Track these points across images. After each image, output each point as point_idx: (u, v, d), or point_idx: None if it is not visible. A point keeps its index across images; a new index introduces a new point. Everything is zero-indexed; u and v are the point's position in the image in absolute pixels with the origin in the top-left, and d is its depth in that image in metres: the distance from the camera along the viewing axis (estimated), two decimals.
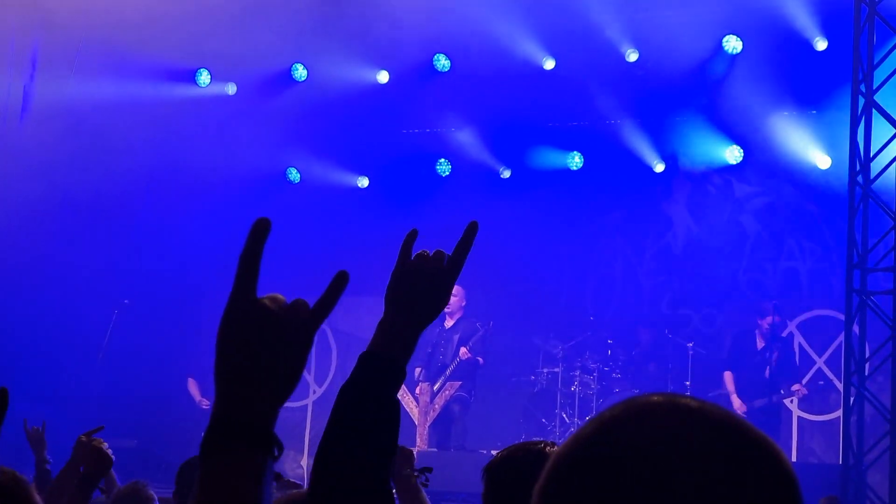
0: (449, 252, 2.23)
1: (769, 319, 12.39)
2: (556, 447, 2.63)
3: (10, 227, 13.86)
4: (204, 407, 13.64)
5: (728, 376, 12.61)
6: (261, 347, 1.43)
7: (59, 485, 4.85)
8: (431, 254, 2.22)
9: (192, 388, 13.95)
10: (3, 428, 2.34)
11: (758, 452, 1.13)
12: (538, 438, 3.43)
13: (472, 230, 2.19)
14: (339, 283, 1.50)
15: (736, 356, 12.69)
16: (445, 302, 2.21)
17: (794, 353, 13.14)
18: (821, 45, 13.16)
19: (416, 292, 2.18)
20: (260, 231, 1.44)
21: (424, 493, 3.98)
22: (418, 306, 2.18)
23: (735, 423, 1.14)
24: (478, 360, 12.74)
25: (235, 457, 1.40)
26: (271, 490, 1.43)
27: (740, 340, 12.79)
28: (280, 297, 1.46)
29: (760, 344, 12.49)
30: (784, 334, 13.18)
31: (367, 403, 2.12)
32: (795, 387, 12.40)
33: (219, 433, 1.42)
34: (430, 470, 4.01)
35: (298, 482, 4.72)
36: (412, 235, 2.22)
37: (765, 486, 1.11)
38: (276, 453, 1.43)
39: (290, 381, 1.46)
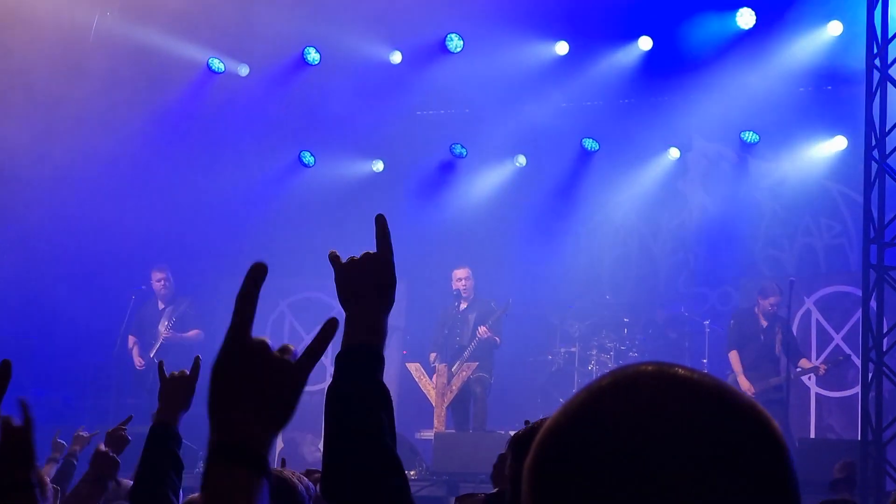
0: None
1: (771, 300, 12.25)
2: None
3: (27, 215, 13.89)
4: (139, 368, 13.50)
5: (734, 356, 12.39)
6: (253, 382, 1.49)
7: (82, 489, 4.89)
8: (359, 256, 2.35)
9: (132, 344, 13.78)
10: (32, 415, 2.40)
11: (745, 420, 1.12)
12: None
13: (380, 222, 2.34)
14: (329, 332, 1.58)
15: (739, 335, 12.49)
16: (393, 282, 2.33)
17: (794, 330, 12.96)
18: (835, 27, 13.09)
19: (364, 284, 2.30)
20: (257, 275, 1.52)
21: None
22: (371, 295, 2.30)
23: (723, 392, 1.13)
24: (495, 340, 12.68)
25: (231, 479, 1.45)
26: None
27: (743, 319, 12.62)
28: (266, 340, 1.51)
29: (764, 323, 12.37)
30: (801, 312, 13.14)
31: (355, 398, 2.24)
32: (805, 362, 12.29)
33: (215, 458, 1.46)
34: None
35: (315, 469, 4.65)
36: (333, 254, 2.35)
37: (752, 455, 1.10)
38: (268, 478, 1.47)
39: (280, 415, 1.50)
